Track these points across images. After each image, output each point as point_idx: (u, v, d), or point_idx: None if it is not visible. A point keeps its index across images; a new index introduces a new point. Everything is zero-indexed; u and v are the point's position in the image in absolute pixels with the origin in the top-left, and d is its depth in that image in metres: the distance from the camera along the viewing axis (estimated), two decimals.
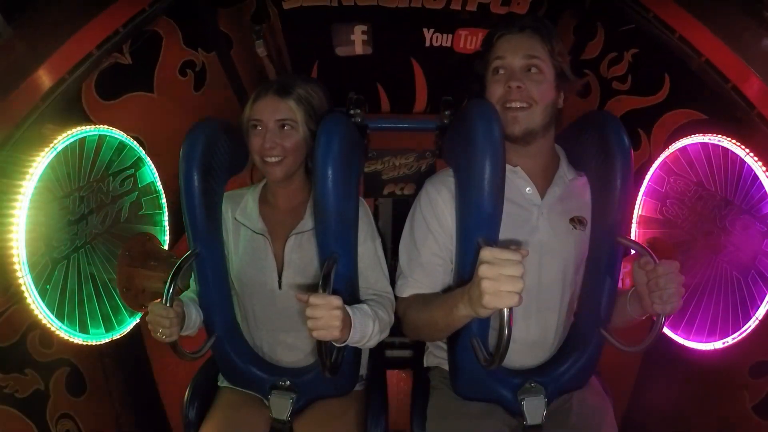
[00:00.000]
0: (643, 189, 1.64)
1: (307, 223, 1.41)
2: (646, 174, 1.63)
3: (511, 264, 0.96)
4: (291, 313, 1.39)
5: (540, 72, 1.26)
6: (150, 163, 1.63)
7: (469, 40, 1.96)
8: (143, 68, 1.59)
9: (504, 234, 1.24)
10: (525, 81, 1.24)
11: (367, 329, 1.24)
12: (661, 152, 1.57)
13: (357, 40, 1.95)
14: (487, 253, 0.98)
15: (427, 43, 1.98)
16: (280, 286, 1.41)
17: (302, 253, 1.41)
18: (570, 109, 1.80)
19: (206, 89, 1.86)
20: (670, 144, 1.52)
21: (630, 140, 1.25)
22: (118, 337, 1.52)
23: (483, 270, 0.97)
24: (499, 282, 0.95)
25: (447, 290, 1.35)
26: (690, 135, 1.45)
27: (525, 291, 0.97)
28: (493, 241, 1.20)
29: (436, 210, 1.32)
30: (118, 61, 1.46)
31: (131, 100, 1.56)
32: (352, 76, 2.07)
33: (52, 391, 1.36)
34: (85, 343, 1.39)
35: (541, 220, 1.32)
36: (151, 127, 1.65)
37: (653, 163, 1.60)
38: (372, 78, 2.14)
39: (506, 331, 0.99)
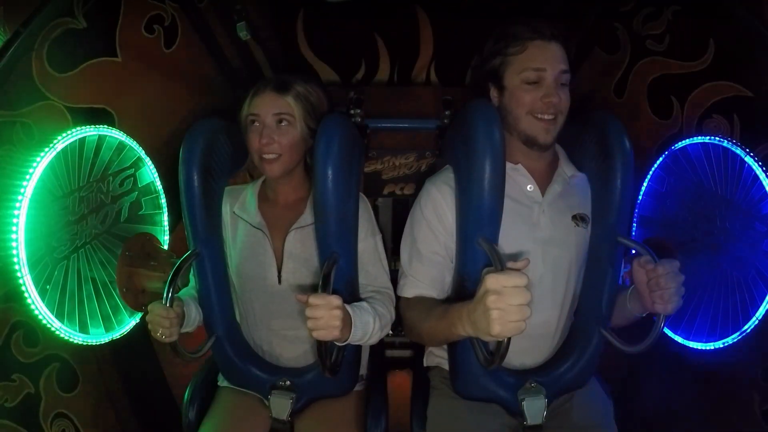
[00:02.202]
0: (643, 189, 1.64)
1: (308, 217, 1.41)
2: (671, 146, 1.52)
3: (519, 293, 0.93)
4: (290, 309, 1.39)
5: (566, 84, 1.28)
6: (149, 163, 1.62)
7: None
8: (102, 30, 1.41)
9: (505, 231, 1.24)
10: (559, 94, 1.26)
11: (368, 327, 1.25)
12: (693, 126, 1.46)
13: None
14: (493, 281, 0.94)
15: None
16: (279, 281, 1.41)
17: (303, 247, 1.41)
18: (595, 65, 1.72)
19: (179, 45, 1.67)
20: (706, 118, 1.43)
21: (631, 142, 1.25)
22: (118, 337, 1.51)
23: (491, 301, 0.94)
24: (509, 313, 0.93)
25: (448, 290, 1.35)
26: (730, 112, 1.35)
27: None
28: (494, 241, 1.20)
29: (438, 209, 1.33)
30: (70, 27, 1.28)
31: (92, 69, 1.39)
32: (345, 27, 1.89)
33: (44, 391, 1.30)
34: (85, 344, 1.39)
35: (543, 217, 1.33)
36: (119, 95, 1.51)
37: (683, 137, 1.49)
38: (368, 28, 1.95)
39: None
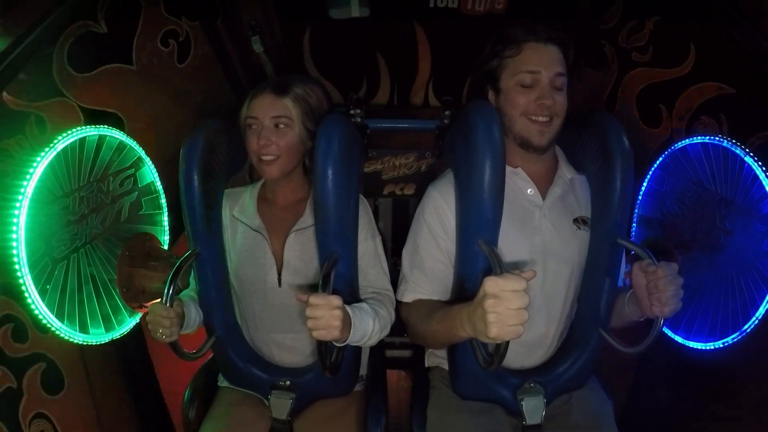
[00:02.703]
0: (643, 189, 1.64)
1: (307, 219, 1.41)
2: (663, 153, 1.54)
3: (517, 297, 0.93)
4: (290, 312, 1.39)
5: (562, 88, 1.28)
6: (149, 163, 1.62)
7: (477, 1, 1.83)
8: (120, 38, 1.46)
9: (506, 236, 1.24)
10: (554, 96, 1.25)
11: (368, 328, 1.24)
12: (683, 130, 1.47)
13: (353, 0, 1.79)
14: (491, 285, 0.95)
15: (431, 4, 1.85)
16: (279, 284, 1.41)
17: (302, 250, 1.41)
18: (586, 83, 1.70)
19: (191, 61, 1.73)
20: (695, 121, 1.45)
21: (631, 143, 1.25)
22: (118, 337, 1.51)
23: (489, 305, 0.94)
24: (506, 317, 0.93)
25: (449, 294, 1.35)
26: (717, 111, 1.36)
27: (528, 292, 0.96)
28: (494, 243, 1.20)
29: (440, 212, 1.32)
30: (91, 30, 1.32)
31: (108, 73, 1.43)
32: (348, 44, 1.94)
33: (26, 389, 1.26)
34: (85, 343, 1.38)
35: (544, 221, 1.32)
36: (131, 102, 1.53)
37: (674, 142, 1.50)
38: (370, 45, 2.01)
39: None
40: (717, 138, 1.35)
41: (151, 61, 1.58)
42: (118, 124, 1.49)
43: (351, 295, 1.33)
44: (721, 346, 1.34)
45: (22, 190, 1.17)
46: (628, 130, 1.25)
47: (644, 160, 1.63)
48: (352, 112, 1.73)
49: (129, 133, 1.51)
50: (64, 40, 1.24)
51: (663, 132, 1.59)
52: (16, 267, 1.17)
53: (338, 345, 1.24)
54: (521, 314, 0.94)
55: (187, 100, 1.78)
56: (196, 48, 1.74)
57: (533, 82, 1.26)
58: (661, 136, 1.59)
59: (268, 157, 1.34)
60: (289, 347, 1.46)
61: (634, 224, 1.66)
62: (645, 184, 1.63)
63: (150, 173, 1.64)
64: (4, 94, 1.14)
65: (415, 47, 1.99)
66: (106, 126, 1.42)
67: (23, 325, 1.25)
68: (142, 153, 1.58)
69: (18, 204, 1.16)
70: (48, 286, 1.27)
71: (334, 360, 1.25)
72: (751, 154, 1.26)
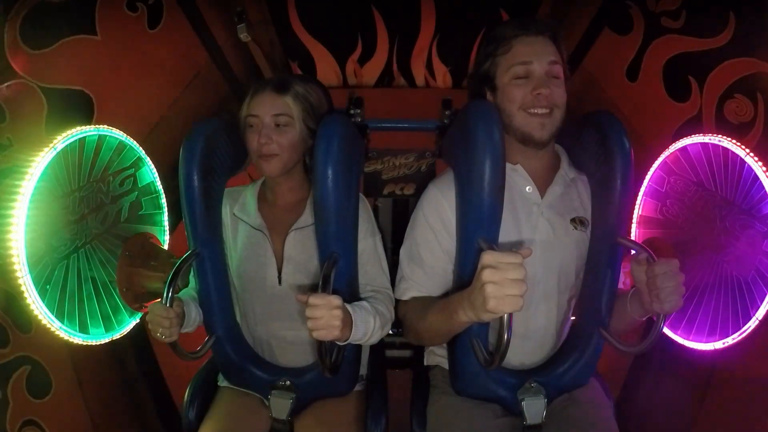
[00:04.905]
0: (643, 189, 1.64)
1: (307, 218, 1.41)
2: (693, 134, 1.43)
3: (514, 268, 0.95)
4: (291, 310, 1.39)
5: (558, 77, 1.27)
6: (149, 162, 1.62)
7: None
8: (80, 5, 1.33)
9: (504, 233, 1.24)
10: (550, 86, 1.25)
11: (369, 326, 1.25)
12: (713, 108, 1.39)
13: None
14: (489, 257, 0.97)
15: None
16: (280, 282, 1.42)
17: (302, 248, 1.41)
18: (606, 48, 1.59)
19: (164, 26, 1.58)
20: (727, 99, 1.37)
21: (630, 142, 1.24)
22: (118, 336, 1.51)
23: (486, 275, 0.95)
24: (504, 286, 0.94)
25: (446, 293, 1.35)
26: (754, 91, 1.28)
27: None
28: (494, 242, 1.20)
29: (442, 214, 1.32)
30: (46, 0, 1.20)
31: (70, 46, 1.30)
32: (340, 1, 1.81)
33: (12, 396, 1.21)
34: (85, 343, 1.39)
35: (541, 219, 1.32)
36: (98, 77, 1.42)
37: (702, 121, 1.42)
38: (365, 1, 1.87)
39: (506, 332, 0.99)
40: (717, 138, 1.35)
41: (118, 29, 1.45)
42: (85, 102, 1.39)
43: (351, 294, 1.33)
44: (722, 346, 1.34)
45: (22, 190, 1.17)
46: (650, 103, 1.17)
47: (667, 134, 1.56)
48: (352, 112, 1.73)
49: (99, 112, 1.40)
50: (14, 15, 1.13)
51: (691, 107, 1.50)
52: (16, 267, 1.17)
53: (339, 344, 1.24)
54: (519, 285, 0.94)
55: (162, 71, 1.67)
56: (168, 11, 1.59)
57: (527, 73, 1.26)
58: (689, 111, 1.51)
59: (269, 155, 1.34)
60: (289, 343, 1.46)
61: (634, 224, 1.66)
62: (645, 184, 1.63)
63: (150, 173, 1.64)
64: None
65: (416, 1, 1.85)
66: (106, 126, 1.42)
67: (3, 328, 1.20)
68: (141, 153, 1.58)
69: (18, 204, 1.17)
70: (48, 286, 1.27)
71: (334, 360, 1.25)
72: (752, 154, 1.26)
